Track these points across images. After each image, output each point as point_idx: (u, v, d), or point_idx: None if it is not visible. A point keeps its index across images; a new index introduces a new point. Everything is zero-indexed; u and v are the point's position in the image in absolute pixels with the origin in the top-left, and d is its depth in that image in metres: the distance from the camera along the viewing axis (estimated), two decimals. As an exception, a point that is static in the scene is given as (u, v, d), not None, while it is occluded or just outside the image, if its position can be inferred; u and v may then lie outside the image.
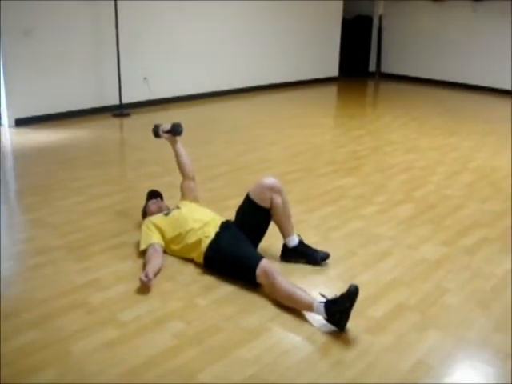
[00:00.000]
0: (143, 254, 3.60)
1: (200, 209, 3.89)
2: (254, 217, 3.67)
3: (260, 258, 3.31)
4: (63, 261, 3.65)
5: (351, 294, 2.87)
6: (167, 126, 4.14)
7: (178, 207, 3.87)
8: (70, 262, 3.63)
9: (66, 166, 5.62)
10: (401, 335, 2.94)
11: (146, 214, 4.03)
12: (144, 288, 3.27)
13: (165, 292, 3.29)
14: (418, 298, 3.31)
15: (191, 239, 3.59)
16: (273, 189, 3.62)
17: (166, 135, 4.15)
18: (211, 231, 3.57)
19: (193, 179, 4.15)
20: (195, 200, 4.05)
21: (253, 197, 3.65)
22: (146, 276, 3.23)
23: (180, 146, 4.19)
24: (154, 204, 4.04)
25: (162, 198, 4.19)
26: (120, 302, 3.16)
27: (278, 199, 3.62)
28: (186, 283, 3.40)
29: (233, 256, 3.40)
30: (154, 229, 3.71)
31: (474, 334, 2.99)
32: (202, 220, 3.66)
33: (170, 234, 3.68)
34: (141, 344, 2.79)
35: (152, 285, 3.28)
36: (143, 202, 4.17)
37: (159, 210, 3.94)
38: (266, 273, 3.20)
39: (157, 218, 3.79)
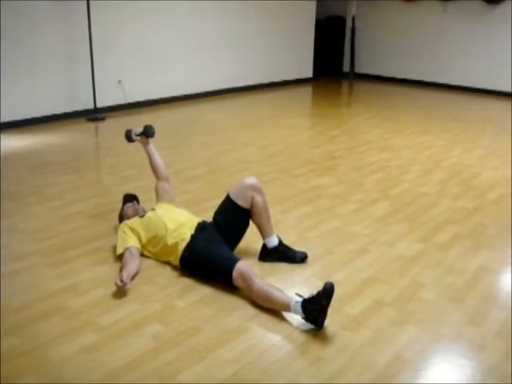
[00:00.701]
0: (120, 258, 3.60)
1: (175, 210, 3.88)
2: (233, 218, 3.68)
3: (236, 260, 3.32)
4: (39, 267, 3.62)
5: (327, 292, 2.89)
6: (139, 129, 4.18)
7: (153, 209, 3.85)
8: (46, 268, 3.61)
9: (40, 171, 5.58)
10: (378, 331, 2.98)
11: (122, 217, 4.02)
12: (120, 292, 3.26)
13: (143, 295, 3.29)
14: (395, 294, 3.36)
15: (168, 242, 3.58)
16: (254, 187, 3.66)
17: (138, 138, 4.19)
18: (187, 233, 3.57)
19: (167, 180, 4.16)
20: (171, 201, 4.04)
21: (233, 197, 3.66)
22: (121, 281, 3.22)
23: (152, 147, 4.23)
24: (129, 208, 4.02)
25: (138, 201, 4.18)
26: (98, 307, 3.16)
27: (258, 198, 3.66)
28: (163, 286, 3.40)
29: (209, 259, 3.41)
30: (130, 232, 3.69)
31: (448, 328, 3.04)
32: (178, 220, 3.66)
33: (146, 237, 3.68)
34: (120, 347, 2.79)
35: (128, 289, 3.28)
36: (119, 206, 4.16)
37: (135, 214, 3.92)
38: (243, 275, 3.20)
39: (133, 222, 3.77)
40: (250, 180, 3.70)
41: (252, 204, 3.65)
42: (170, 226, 3.62)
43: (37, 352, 2.75)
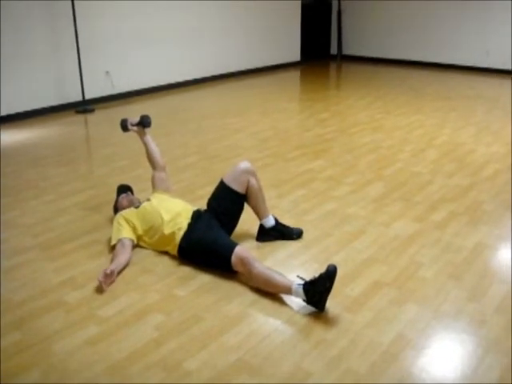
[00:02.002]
0: (113, 249, 3.60)
1: (171, 199, 3.86)
2: (229, 203, 3.69)
3: (234, 245, 3.32)
4: (38, 261, 3.62)
5: (330, 274, 2.90)
6: (135, 119, 4.14)
7: (148, 200, 3.84)
8: (44, 262, 3.60)
9: (34, 165, 5.55)
10: (379, 311, 3.00)
11: (117, 209, 4.00)
12: (100, 286, 3.22)
13: (142, 285, 3.29)
14: (394, 274, 3.37)
15: (164, 232, 3.57)
16: (248, 171, 3.68)
17: (134, 128, 4.14)
18: (183, 222, 3.57)
19: (163, 170, 4.14)
20: (167, 191, 4.03)
21: (228, 182, 3.66)
22: (105, 274, 3.21)
23: (149, 137, 4.20)
24: (124, 198, 4.00)
25: (132, 192, 4.17)
26: (98, 299, 3.15)
27: (253, 181, 3.68)
28: (163, 275, 3.40)
29: (207, 246, 3.41)
30: (124, 223, 3.69)
31: (448, 305, 3.06)
32: (174, 210, 3.66)
33: (142, 228, 3.67)
34: (123, 338, 2.79)
35: (113, 280, 3.28)
36: (114, 197, 4.15)
37: (130, 204, 3.91)
38: (242, 260, 3.21)
39: (127, 212, 3.76)
40: (244, 164, 3.72)
41: (247, 188, 3.67)
42: (166, 216, 3.61)
43: (40, 346, 2.75)
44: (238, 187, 3.65)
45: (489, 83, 9.95)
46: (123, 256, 3.47)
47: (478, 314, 2.98)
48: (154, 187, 4.08)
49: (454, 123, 6.95)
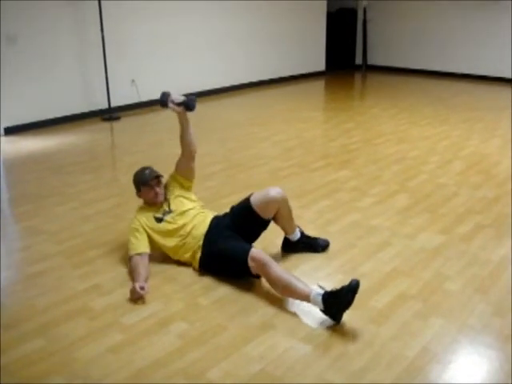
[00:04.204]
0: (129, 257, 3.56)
1: (188, 205, 3.69)
2: (253, 225, 3.60)
3: (248, 248, 3.26)
4: (62, 268, 3.64)
5: (353, 288, 2.87)
6: (179, 97, 3.64)
7: (169, 208, 3.66)
8: (68, 269, 3.62)
9: (59, 172, 5.60)
10: (404, 324, 2.96)
11: (139, 190, 3.72)
12: (137, 299, 3.21)
13: (166, 294, 3.30)
14: (419, 287, 3.34)
15: (186, 253, 3.55)
16: (278, 201, 3.55)
17: (175, 107, 3.64)
18: (201, 237, 3.51)
19: (192, 158, 3.79)
20: (188, 179, 3.80)
21: (255, 208, 3.52)
22: (143, 288, 3.19)
23: (188, 120, 3.73)
24: (151, 191, 3.66)
25: (159, 181, 3.75)
26: (122, 306, 3.17)
27: (283, 210, 3.60)
28: (186, 284, 3.40)
29: (224, 255, 3.38)
30: (143, 234, 3.58)
31: (474, 320, 3.02)
32: (191, 223, 3.56)
33: (162, 243, 3.61)
34: (146, 346, 2.79)
35: (148, 291, 3.25)
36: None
37: (154, 199, 3.66)
38: (257, 262, 3.16)
39: (149, 222, 3.61)
40: (275, 192, 3.55)
41: (277, 214, 3.59)
42: (185, 231, 3.54)
43: (63, 353, 2.76)
44: (265, 214, 3.54)
45: (516, 94, 9.84)
46: (144, 269, 3.41)
47: (505, 328, 2.93)
48: (176, 170, 3.81)
49: (480, 134, 6.88)
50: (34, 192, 5.06)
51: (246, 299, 3.23)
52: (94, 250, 3.86)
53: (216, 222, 3.60)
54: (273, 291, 3.21)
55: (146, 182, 3.66)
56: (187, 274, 3.51)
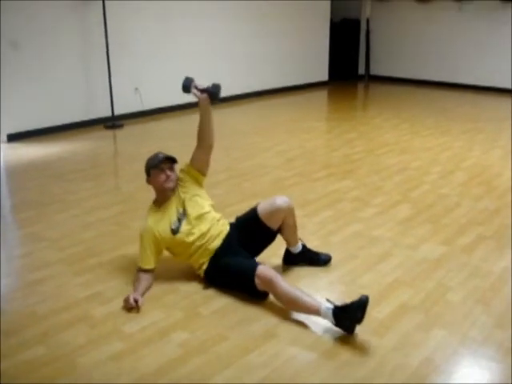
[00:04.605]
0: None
1: (205, 209, 3.52)
2: (260, 236, 3.58)
3: (256, 265, 3.23)
4: (63, 275, 3.64)
5: (362, 304, 2.84)
6: (203, 84, 3.49)
7: (184, 209, 3.46)
8: (69, 276, 3.62)
9: (61, 179, 5.61)
10: (406, 335, 2.95)
11: (149, 174, 3.53)
12: (129, 309, 3.20)
13: (166, 303, 3.29)
14: (421, 298, 3.33)
15: (194, 261, 3.49)
16: (285, 210, 3.52)
17: (198, 93, 3.46)
18: (213, 251, 3.44)
19: (209, 151, 3.61)
20: (202, 173, 3.62)
21: (262, 216, 3.50)
22: (136, 301, 3.17)
23: (211, 109, 3.57)
24: (161, 174, 3.45)
25: (172, 167, 3.55)
26: (123, 315, 3.16)
27: (289, 220, 3.57)
28: (187, 294, 3.39)
29: (230, 271, 3.35)
30: (153, 248, 3.44)
31: (476, 331, 3.00)
32: (208, 233, 3.45)
33: (173, 250, 3.54)
34: (147, 354, 2.79)
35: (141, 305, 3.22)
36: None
37: (165, 183, 3.45)
38: (264, 279, 3.14)
39: (163, 233, 3.43)
40: (282, 201, 3.52)
41: (283, 224, 3.56)
42: (200, 242, 3.43)
43: (64, 360, 2.76)
44: (272, 224, 3.52)
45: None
46: (145, 283, 3.40)
47: (506, 341, 2.92)
48: (192, 162, 3.59)
49: (481, 145, 6.88)
50: (35, 199, 5.06)
51: (248, 309, 3.22)
52: (95, 258, 3.85)
53: (230, 239, 3.50)
54: (275, 301, 3.20)
55: (156, 165, 3.45)
56: (188, 284, 3.50)
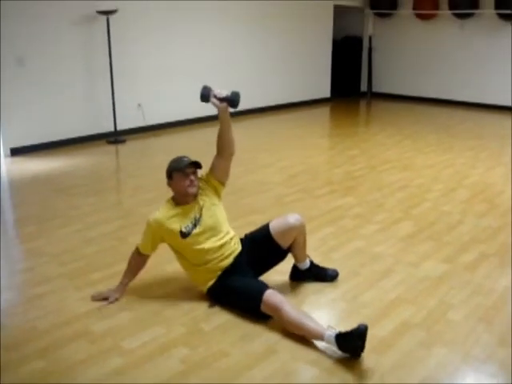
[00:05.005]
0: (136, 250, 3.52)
1: (219, 221, 3.48)
2: (271, 254, 3.56)
3: (264, 289, 3.18)
4: (64, 290, 3.63)
5: (360, 333, 2.81)
6: (223, 92, 3.41)
7: (200, 215, 3.39)
8: (70, 291, 3.61)
9: (63, 194, 5.62)
10: (407, 352, 2.94)
11: (171, 177, 3.43)
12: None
13: (168, 318, 3.28)
14: (423, 315, 3.31)
15: (198, 277, 3.45)
16: (297, 228, 3.51)
17: (217, 102, 3.40)
18: (222, 269, 3.39)
19: (230, 158, 3.57)
20: (221, 183, 3.57)
21: (274, 234, 3.49)
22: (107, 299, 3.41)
23: (229, 118, 3.52)
24: (185, 179, 3.37)
25: (196, 172, 3.47)
26: (123, 330, 3.15)
27: (300, 238, 3.56)
28: (189, 309, 3.38)
29: (236, 291, 3.32)
30: (157, 240, 3.43)
31: (478, 350, 2.99)
32: (220, 251, 3.39)
33: (183, 255, 3.44)
34: (148, 370, 2.78)
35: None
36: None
37: (188, 188, 3.36)
38: (270, 306, 3.11)
39: (171, 231, 3.36)
40: (295, 219, 3.52)
41: (294, 242, 3.55)
42: (211, 256, 3.37)
43: (64, 375, 2.74)
44: (284, 242, 3.51)
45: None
46: (136, 271, 3.52)
47: (509, 359, 2.90)
48: (211, 172, 3.55)
49: (484, 163, 6.89)
50: (37, 213, 5.06)
51: (249, 325, 3.20)
52: (97, 273, 3.85)
53: (240, 258, 3.46)
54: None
55: (181, 168, 3.37)
56: (189, 299, 3.49)
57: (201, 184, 3.50)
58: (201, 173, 3.54)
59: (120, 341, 3.04)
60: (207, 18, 9.13)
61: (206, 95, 3.38)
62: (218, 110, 3.44)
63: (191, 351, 2.94)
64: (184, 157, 3.47)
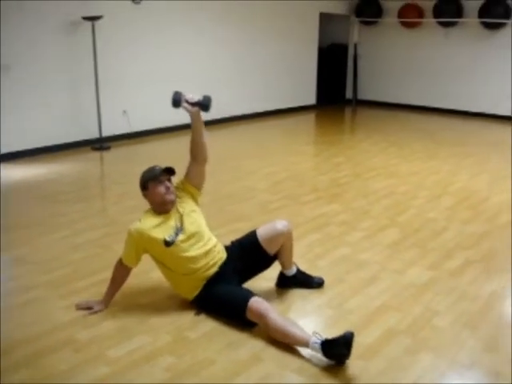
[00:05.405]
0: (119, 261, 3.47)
1: (201, 228, 3.47)
2: (258, 262, 3.56)
3: (249, 296, 3.17)
4: (49, 298, 3.60)
5: (346, 341, 2.81)
6: (195, 97, 3.40)
7: (181, 225, 3.36)
8: (55, 299, 3.58)
9: (48, 201, 5.58)
10: (393, 359, 2.94)
11: (146, 188, 3.40)
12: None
13: (154, 326, 3.26)
14: (408, 322, 3.32)
15: (182, 288, 3.43)
16: (285, 234, 3.52)
17: (189, 107, 3.39)
18: (207, 278, 3.36)
19: (204, 164, 3.59)
20: (198, 188, 3.58)
21: (262, 242, 3.49)
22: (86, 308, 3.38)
23: (203, 123, 3.51)
24: (161, 185, 3.35)
25: (170, 179, 3.47)
26: (108, 339, 3.12)
27: (287, 244, 3.57)
28: (174, 317, 3.36)
29: (221, 298, 3.31)
30: (140, 252, 3.37)
31: (464, 356, 3.00)
32: (204, 260, 3.36)
33: (167, 265, 3.40)
34: (134, 379, 2.75)
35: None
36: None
37: (165, 196, 3.34)
38: (256, 313, 3.10)
39: (154, 240, 3.30)
40: (282, 225, 3.53)
41: (281, 248, 3.56)
42: (195, 265, 3.34)
43: (48, 385, 2.72)
44: (271, 249, 3.51)
45: (503, 130, 9.94)
46: (119, 285, 3.47)
47: (494, 365, 2.92)
48: (187, 178, 3.55)
49: (469, 170, 6.94)
50: (23, 220, 5.02)
51: (235, 332, 3.19)
52: (82, 281, 3.81)
53: (225, 267, 3.43)
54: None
55: (155, 176, 3.35)
56: (175, 307, 3.47)
57: (177, 192, 3.48)
58: (175, 179, 3.51)
59: (105, 349, 3.02)
60: (193, 26, 9.13)
61: (177, 100, 3.36)
62: (190, 115, 3.43)
63: (177, 359, 2.92)
64: (156, 166, 3.46)
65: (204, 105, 3.38)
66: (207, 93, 3.44)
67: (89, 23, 7.47)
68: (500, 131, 9.89)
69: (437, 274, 3.98)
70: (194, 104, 3.38)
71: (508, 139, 9.08)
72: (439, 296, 3.66)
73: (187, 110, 3.40)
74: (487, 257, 4.31)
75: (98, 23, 7.52)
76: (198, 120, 3.46)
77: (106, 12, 7.63)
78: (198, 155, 3.53)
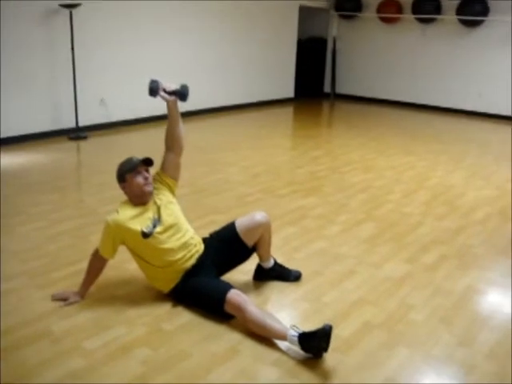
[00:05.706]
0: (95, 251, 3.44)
1: (180, 218, 3.47)
2: (236, 253, 3.56)
3: (227, 288, 3.17)
4: (25, 288, 3.56)
5: (325, 333, 2.81)
6: (172, 86, 3.38)
7: (159, 216, 3.33)
8: (32, 290, 3.54)
9: (24, 190, 5.51)
10: (369, 353, 2.97)
11: (124, 180, 3.35)
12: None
13: (129, 318, 3.24)
14: (384, 316, 3.35)
15: (159, 281, 3.41)
16: (263, 226, 3.53)
17: (167, 96, 3.37)
18: (184, 271, 3.35)
19: (180, 155, 3.57)
20: (174, 179, 3.55)
21: (241, 233, 3.49)
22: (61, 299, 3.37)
23: (179, 113, 3.50)
24: (140, 176, 3.31)
25: (148, 170, 3.42)
26: (84, 330, 3.10)
27: (266, 235, 3.58)
28: (151, 308, 3.35)
29: (199, 290, 3.30)
30: (117, 243, 3.32)
31: (439, 350, 3.04)
32: (182, 252, 3.35)
33: (144, 257, 3.36)
34: (109, 372, 2.74)
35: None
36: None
37: (143, 187, 3.30)
38: (233, 306, 3.10)
39: (131, 232, 3.26)
40: (261, 216, 3.53)
41: (259, 240, 3.56)
42: (172, 257, 3.32)
43: (23, 377, 2.69)
44: (249, 240, 3.51)
45: (480, 127, 10.07)
46: (94, 277, 3.44)
47: (469, 359, 2.96)
48: (163, 169, 3.53)
49: (445, 165, 7.00)
50: (-3, 210, 4.97)
51: (212, 325, 3.19)
52: (58, 272, 3.78)
53: (203, 259, 3.43)
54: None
55: (133, 168, 3.31)
56: (151, 298, 3.46)
57: (154, 184, 3.45)
58: (152, 171, 3.47)
59: (81, 341, 3.00)
60: (172, 16, 9.07)
61: (154, 89, 3.33)
62: (167, 104, 3.42)
63: (153, 352, 2.91)
64: (133, 157, 3.42)
65: (181, 94, 3.36)
66: (186, 83, 3.42)
67: (66, 11, 7.38)
68: (478, 128, 10.02)
69: (412, 269, 4.02)
70: (171, 93, 3.37)
71: (485, 136, 9.20)
72: (415, 290, 3.70)
73: (164, 99, 3.38)
74: (462, 252, 4.37)
75: (75, 11, 7.43)
76: (175, 109, 3.45)
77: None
78: (174, 145, 3.53)
